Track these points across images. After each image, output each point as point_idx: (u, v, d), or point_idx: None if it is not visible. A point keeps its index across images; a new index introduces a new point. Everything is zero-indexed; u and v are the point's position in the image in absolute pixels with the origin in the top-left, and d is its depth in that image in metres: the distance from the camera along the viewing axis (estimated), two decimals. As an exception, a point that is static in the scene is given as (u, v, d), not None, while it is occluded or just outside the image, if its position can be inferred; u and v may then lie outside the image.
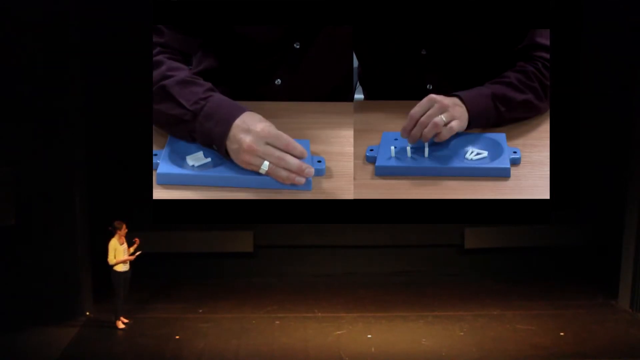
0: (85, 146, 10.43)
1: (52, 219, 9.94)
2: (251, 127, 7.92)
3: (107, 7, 10.61)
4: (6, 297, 9.70)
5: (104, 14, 10.67)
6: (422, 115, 8.35)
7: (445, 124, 8.34)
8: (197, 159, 8.29)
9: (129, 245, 9.95)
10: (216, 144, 8.13)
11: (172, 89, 8.29)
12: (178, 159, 8.28)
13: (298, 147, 7.92)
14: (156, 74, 8.56)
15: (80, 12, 10.00)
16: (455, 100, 8.61)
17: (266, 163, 7.86)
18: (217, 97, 8.29)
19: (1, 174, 9.28)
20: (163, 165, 8.15)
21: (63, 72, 9.81)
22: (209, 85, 8.45)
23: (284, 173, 7.87)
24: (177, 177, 8.11)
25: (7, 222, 9.36)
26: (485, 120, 8.84)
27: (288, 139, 7.93)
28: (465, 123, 8.61)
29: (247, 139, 7.85)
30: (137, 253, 9.88)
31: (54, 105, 9.79)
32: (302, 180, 7.87)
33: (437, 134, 8.34)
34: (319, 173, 8.22)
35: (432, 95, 8.49)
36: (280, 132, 7.95)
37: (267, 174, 7.95)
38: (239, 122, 7.97)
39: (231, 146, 7.99)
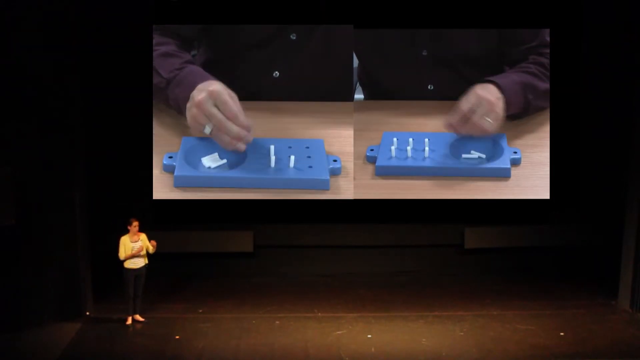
0: (85, 146, 10.42)
1: (52, 219, 9.92)
2: (207, 87, 8.29)
3: (107, 7, 10.60)
4: (6, 297, 9.69)
5: (104, 14, 10.66)
6: (468, 111, 8.44)
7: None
8: (213, 160, 8.33)
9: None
10: (182, 107, 8.53)
11: (154, 61, 8.96)
12: (193, 160, 8.31)
13: (242, 119, 8.22)
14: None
15: (80, 12, 9.98)
16: (498, 93, 8.63)
17: (209, 126, 8.21)
18: (192, 67, 8.80)
19: (1, 174, 9.27)
20: (180, 168, 8.17)
21: (63, 72, 9.80)
22: (188, 57, 9.00)
23: (225, 138, 8.23)
24: (195, 179, 8.14)
25: (7, 222, 9.35)
26: (515, 109, 8.92)
27: (235, 111, 8.22)
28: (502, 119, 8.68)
29: (199, 96, 8.22)
30: (135, 251, 9.84)
31: (54, 105, 9.78)
32: (243, 147, 8.26)
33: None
34: (335, 172, 8.33)
35: (479, 92, 8.57)
36: (229, 101, 8.23)
37: (211, 136, 8.28)
38: (200, 85, 8.37)
39: (188, 104, 8.38)
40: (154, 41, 9.17)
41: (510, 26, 9.81)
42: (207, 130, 8.24)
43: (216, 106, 8.22)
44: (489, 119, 8.43)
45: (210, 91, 8.24)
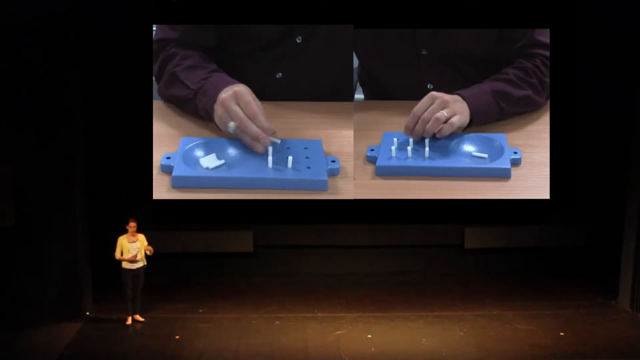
0: (85, 146, 10.42)
1: (52, 219, 9.92)
2: (233, 88, 8.48)
3: (107, 6, 10.60)
4: (6, 297, 9.69)
5: (104, 14, 10.66)
6: (423, 112, 8.49)
7: (447, 120, 8.49)
8: (211, 161, 8.33)
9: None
10: (211, 114, 8.65)
11: (180, 74, 9.02)
12: (192, 161, 8.31)
13: (262, 120, 8.34)
14: (171, 65, 9.16)
15: (80, 12, 9.99)
16: (456, 97, 8.77)
17: (232, 124, 8.34)
18: (217, 76, 8.88)
19: (1, 174, 9.27)
20: (178, 168, 8.15)
21: (63, 72, 9.80)
22: (213, 67, 9.06)
23: (247, 138, 8.38)
24: (193, 179, 8.12)
25: (7, 222, 9.34)
26: (487, 116, 9.00)
27: (257, 112, 8.36)
28: (466, 118, 8.75)
29: (224, 95, 8.43)
30: (130, 257, 9.84)
31: (54, 105, 9.78)
32: (261, 149, 8.36)
33: (438, 130, 8.52)
34: (333, 172, 8.32)
35: (433, 93, 8.70)
36: (252, 102, 8.39)
37: (235, 135, 8.43)
38: (226, 88, 8.56)
39: (215, 104, 8.56)
40: (179, 56, 9.17)
41: (510, 26, 9.80)
42: (231, 128, 8.38)
43: (239, 105, 8.39)
44: (443, 112, 8.48)
45: (235, 91, 8.44)
